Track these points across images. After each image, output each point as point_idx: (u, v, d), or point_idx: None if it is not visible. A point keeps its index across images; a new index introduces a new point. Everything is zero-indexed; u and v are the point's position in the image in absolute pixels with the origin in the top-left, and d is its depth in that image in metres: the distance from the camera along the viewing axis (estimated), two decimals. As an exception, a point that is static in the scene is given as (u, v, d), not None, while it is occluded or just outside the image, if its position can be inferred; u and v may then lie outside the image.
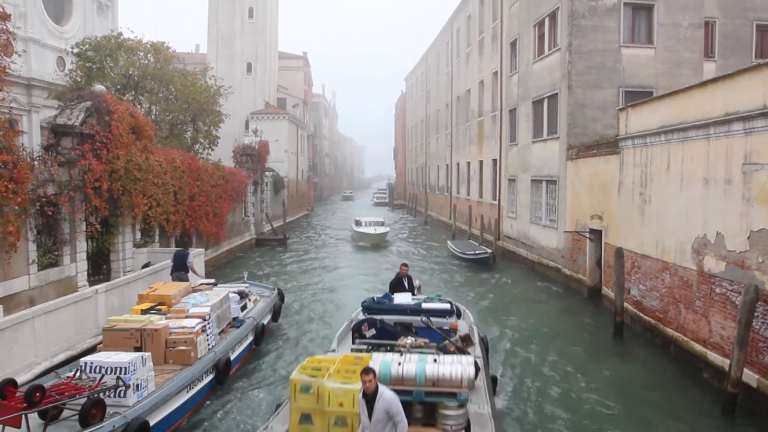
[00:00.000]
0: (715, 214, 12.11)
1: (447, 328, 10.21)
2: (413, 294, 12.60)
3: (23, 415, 7.67)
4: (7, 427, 7.75)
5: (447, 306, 11.01)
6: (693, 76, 20.33)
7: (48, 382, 8.90)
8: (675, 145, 13.78)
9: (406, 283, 12.61)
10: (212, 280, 15.99)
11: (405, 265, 13.01)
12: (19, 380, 9.19)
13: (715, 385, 11.62)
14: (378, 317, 9.97)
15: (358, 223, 36.97)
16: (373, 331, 9.47)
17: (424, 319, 9.95)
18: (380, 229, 35.13)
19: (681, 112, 13.55)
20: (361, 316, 10.75)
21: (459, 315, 11.80)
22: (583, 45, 20.95)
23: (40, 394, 7.88)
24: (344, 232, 40.57)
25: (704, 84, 13.00)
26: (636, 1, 21.08)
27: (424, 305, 10.83)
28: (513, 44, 28.22)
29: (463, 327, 11.33)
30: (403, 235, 40.95)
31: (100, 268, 17.39)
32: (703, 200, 12.56)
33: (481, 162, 35.21)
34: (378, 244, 34.02)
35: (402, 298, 11.45)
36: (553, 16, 22.92)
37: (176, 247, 21.37)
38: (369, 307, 10.96)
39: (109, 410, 8.44)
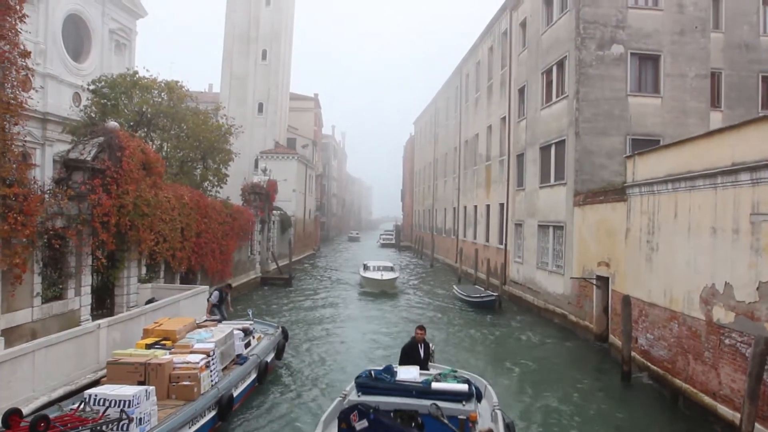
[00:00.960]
0: (723, 263, 12.00)
1: (463, 417, 8.25)
2: (429, 361, 10.93)
3: None
4: None
5: (464, 387, 8.73)
6: (700, 126, 20.49)
7: (51, 414, 8.84)
8: (682, 194, 13.77)
9: (421, 351, 10.78)
10: (250, 321, 16.45)
11: (421, 328, 11.01)
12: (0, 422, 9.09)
13: (726, 439, 11.30)
14: (374, 400, 8.32)
15: (365, 268, 34.58)
16: (364, 423, 7.70)
17: (432, 409, 8.04)
18: (388, 275, 32.41)
19: (688, 160, 13.60)
20: (354, 395, 9.04)
21: (479, 397, 9.39)
22: (590, 93, 21.21)
23: (44, 424, 7.90)
24: (349, 275, 40.08)
25: (711, 134, 13.09)
26: (642, 52, 21.42)
27: (435, 385, 8.71)
28: (521, 90, 28.61)
29: (485, 414, 9.25)
30: (409, 278, 40.69)
31: (103, 303, 17.34)
32: (711, 249, 12.47)
33: (488, 206, 35.27)
34: (386, 290, 31.32)
35: (407, 373, 9.35)
36: (560, 65, 23.29)
37: (181, 283, 21.49)
38: (364, 384, 9.02)
39: None
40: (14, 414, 8.28)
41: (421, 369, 9.76)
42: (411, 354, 10.63)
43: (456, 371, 10.13)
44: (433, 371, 10.15)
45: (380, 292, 31.16)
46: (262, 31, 52.12)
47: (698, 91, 21.53)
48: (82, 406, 9.06)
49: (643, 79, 21.72)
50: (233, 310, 19.55)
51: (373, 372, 9.38)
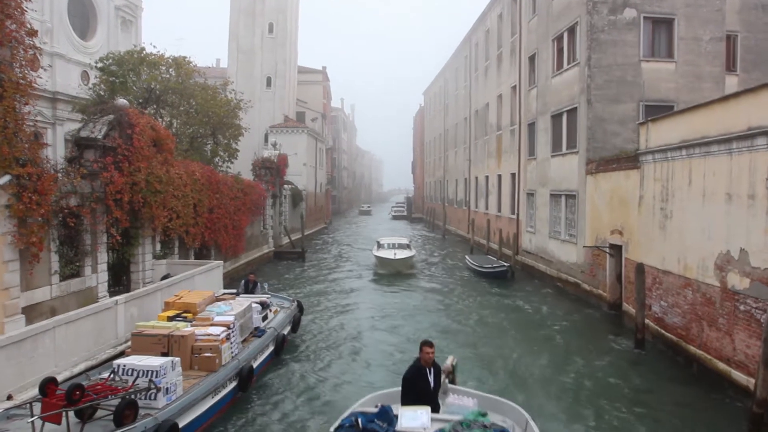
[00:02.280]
0: (738, 229, 11.90)
1: None
2: (440, 390, 8.08)
3: (64, 413, 7.96)
4: (47, 424, 8.08)
5: None
6: (715, 90, 20.12)
7: (83, 383, 9.10)
8: (697, 160, 13.61)
9: (431, 378, 7.66)
10: (267, 294, 16.64)
11: (428, 344, 7.63)
12: (36, 391, 9.33)
13: (740, 404, 11.35)
14: None
15: (378, 246, 31.39)
16: None
17: None
18: (402, 253, 28.84)
19: (703, 126, 13.40)
20: None
21: None
22: (602, 59, 20.85)
23: (79, 392, 8.16)
24: (358, 252, 39.62)
25: (726, 98, 12.86)
26: (656, 16, 20.96)
27: None
28: (531, 58, 28.20)
29: None
30: (421, 250, 40.78)
31: (120, 279, 17.57)
32: (726, 216, 12.36)
33: (499, 176, 35.08)
34: (400, 271, 28.17)
35: (413, 419, 6.80)
36: (572, 31, 22.88)
37: (195, 258, 21.74)
38: None
39: (141, 412, 8.74)
40: (50, 382, 8.61)
41: (432, 407, 7.22)
42: (418, 385, 7.54)
43: (485, 414, 7.19)
44: (449, 414, 7.47)
45: (393, 273, 28.15)
46: (268, 4, 51.60)
47: (713, 55, 21.10)
48: (111, 376, 9.34)
49: (657, 43, 21.28)
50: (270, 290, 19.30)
51: (360, 420, 6.81)
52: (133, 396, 8.75)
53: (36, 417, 8.02)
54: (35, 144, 13.13)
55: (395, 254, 28.36)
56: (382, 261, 28.91)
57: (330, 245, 43.82)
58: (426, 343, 7.74)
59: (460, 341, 16.51)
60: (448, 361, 8.52)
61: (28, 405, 8.39)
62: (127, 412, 8.38)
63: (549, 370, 13.98)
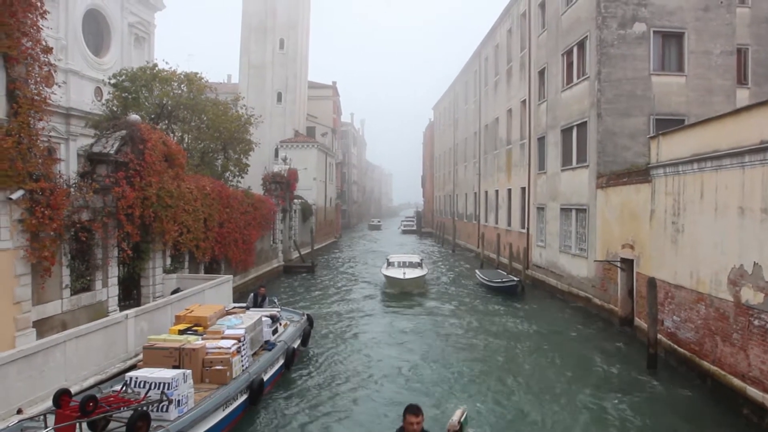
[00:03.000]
0: (751, 244, 11.77)
1: None
2: None
3: (77, 424, 8.05)
4: None
5: None
6: (726, 104, 20.04)
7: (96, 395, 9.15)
8: (708, 174, 13.51)
9: None
10: (277, 308, 16.67)
11: (413, 412, 5.73)
12: (47, 404, 9.34)
13: (755, 421, 11.16)
14: None
15: (388, 264, 29.67)
16: None
17: None
18: (412, 272, 27.00)
19: (714, 139, 13.31)
20: None
21: None
22: (612, 73, 20.85)
23: (93, 404, 8.25)
24: (370, 269, 39.67)
25: (738, 111, 12.78)
26: (666, 30, 20.96)
27: None
28: (541, 73, 28.24)
29: None
30: (431, 264, 40.65)
31: (130, 293, 17.63)
32: (738, 230, 12.24)
33: (509, 190, 35.01)
34: (409, 291, 26.67)
35: None
36: (581, 45, 22.92)
37: (205, 273, 21.81)
38: None
39: (153, 424, 8.78)
40: (64, 394, 8.66)
41: None
42: None
43: None
44: None
45: (401, 292, 26.58)
46: (279, 20, 52.09)
47: (724, 68, 21.03)
48: (124, 388, 9.41)
49: (667, 57, 21.27)
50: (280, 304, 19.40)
51: None
52: (145, 408, 8.79)
53: (50, 429, 8.07)
54: (49, 159, 13.27)
55: (404, 273, 26.50)
56: (390, 280, 27.28)
57: (339, 262, 43.76)
58: (411, 411, 5.75)
59: (467, 357, 16.37)
60: (455, 417, 7.14)
61: (41, 417, 8.45)
62: (139, 423, 8.43)
63: (557, 382, 13.82)
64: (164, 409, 9.16)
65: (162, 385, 9.22)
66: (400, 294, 26.55)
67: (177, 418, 9.17)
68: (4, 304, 11.86)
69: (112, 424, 8.61)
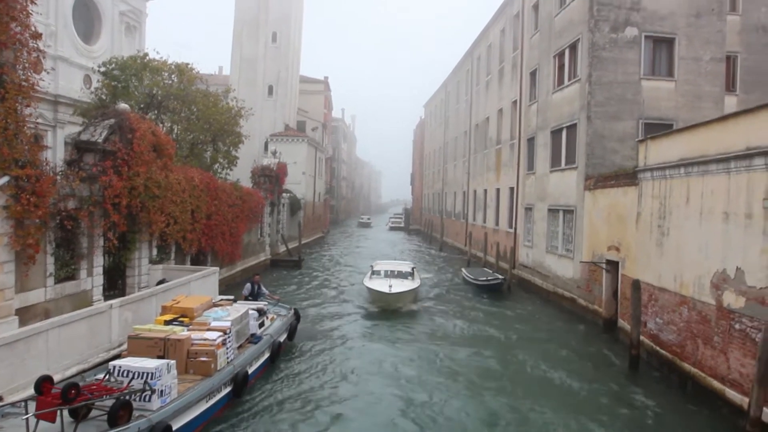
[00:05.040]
0: (735, 248, 11.92)
1: None
2: None
3: (58, 411, 8.01)
4: (41, 423, 8.12)
5: None
6: (714, 110, 20.24)
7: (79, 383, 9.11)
8: (695, 179, 13.65)
9: None
10: (264, 302, 16.83)
11: None
12: (29, 392, 9.29)
13: (734, 423, 11.31)
14: None
15: (372, 273, 24.61)
16: None
17: None
18: (400, 285, 21.95)
19: (701, 145, 13.46)
20: None
21: None
22: (603, 76, 20.98)
23: (75, 391, 8.22)
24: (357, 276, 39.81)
25: (725, 118, 12.94)
26: (657, 35, 21.11)
27: None
28: (533, 74, 28.35)
29: None
30: (418, 262, 40.73)
31: (115, 283, 17.49)
32: (723, 234, 12.39)
33: (498, 190, 35.15)
34: (395, 309, 21.77)
35: None
36: (573, 48, 23.03)
37: (191, 264, 21.72)
38: None
39: (135, 413, 8.79)
40: (46, 381, 8.62)
41: None
42: None
43: None
44: None
45: (384, 309, 21.76)
46: (272, 14, 51.86)
47: (713, 75, 21.24)
48: (107, 376, 9.39)
49: (657, 62, 21.43)
50: (278, 296, 19.50)
51: None
52: (127, 397, 8.78)
53: (30, 414, 8.05)
54: (35, 146, 13.13)
55: (391, 286, 21.29)
56: (373, 294, 21.98)
57: (326, 258, 43.71)
58: None
59: (449, 353, 16.44)
60: None
61: (22, 404, 8.41)
62: (121, 412, 8.43)
63: (540, 382, 13.93)
64: (147, 399, 9.16)
65: (145, 374, 9.20)
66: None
67: (159, 408, 9.18)
68: (-14, 291, 11.73)
69: (93, 412, 8.61)
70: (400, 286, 21.87)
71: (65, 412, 8.21)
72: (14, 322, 12.27)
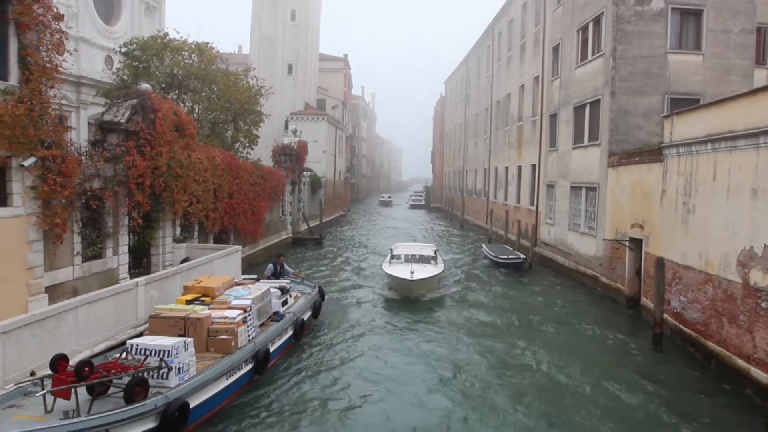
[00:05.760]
0: (763, 226, 11.69)
1: None
2: None
3: (72, 388, 8.13)
4: (58, 399, 8.28)
5: None
6: (743, 84, 19.73)
7: (97, 362, 9.32)
8: (722, 155, 13.37)
9: None
10: (287, 280, 16.99)
11: None
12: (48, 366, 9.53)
13: (758, 402, 11.22)
14: None
15: (392, 257, 23.01)
16: None
17: None
18: (422, 271, 20.37)
19: (729, 120, 13.15)
20: None
21: None
22: (627, 50, 20.53)
23: (88, 369, 8.31)
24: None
25: (755, 92, 12.59)
26: (684, 6, 20.55)
27: None
28: (555, 49, 27.85)
29: None
30: (439, 239, 40.70)
31: (140, 262, 17.82)
32: (750, 211, 12.15)
33: (519, 167, 34.83)
34: (417, 296, 20.17)
35: None
36: (597, 21, 22.53)
37: (214, 243, 21.99)
38: None
39: (152, 390, 8.90)
40: (61, 359, 8.74)
41: None
42: None
43: None
44: None
45: (406, 296, 20.22)
46: (291, -10, 51.48)
47: (742, 47, 20.65)
48: (124, 354, 9.56)
49: (684, 35, 20.88)
50: (303, 275, 19.54)
51: None
52: (143, 374, 8.90)
53: (45, 391, 8.24)
54: (60, 127, 13.31)
55: (413, 273, 19.56)
56: (393, 281, 20.40)
57: (347, 236, 43.86)
58: None
59: (472, 330, 16.48)
60: None
61: (39, 381, 8.64)
62: (137, 389, 8.55)
63: (562, 360, 13.92)
64: (164, 376, 9.27)
65: (162, 352, 9.31)
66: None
67: (177, 384, 9.28)
68: (16, 270, 12.04)
69: (111, 390, 8.77)
70: (422, 272, 20.27)
71: (84, 390, 8.37)
72: (44, 300, 12.60)
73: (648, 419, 10.78)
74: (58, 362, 8.65)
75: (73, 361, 9.32)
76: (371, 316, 17.91)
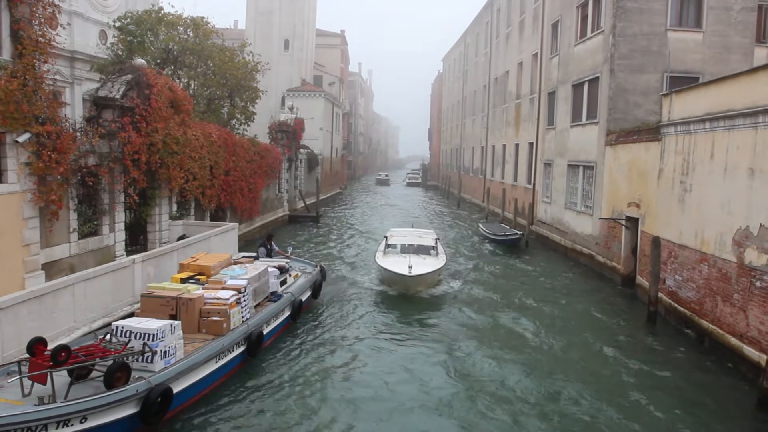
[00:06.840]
0: (759, 205, 11.72)
1: None
2: None
3: (49, 373, 7.91)
4: (36, 384, 8.09)
5: None
6: (743, 62, 19.61)
7: (85, 342, 9.18)
8: (720, 133, 13.34)
9: None
10: (287, 259, 16.53)
11: None
12: (59, 343, 9.52)
13: (751, 379, 11.36)
14: None
15: (387, 246, 19.83)
16: None
17: None
18: (421, 266, 17.54)
19: (728, 99, 13.09)
20: None
21: None
22: (627, 28, 20.34)
23: (65, 354, 8.09)
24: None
25: (755, 70, 12.51)
26: (685, -17, 20.31)
27: None
28: (554, 26, 27.59)
29: None
30: (434, 218, 40.75)
31: (136, 239, 17.81)
32: (747, 191, 12.16)
33: (517, 145, 34.74)
34: (415, 292, 17.64)
35: None
36: (597, -3, 22.28)
37: (211, 220, 21.94)
38: None
39: (135, 374, 8.70)
40: (39, 342, 8.50)
41: None
42: None
43: None
44: None
45: (403, 292, 17.72)
46: (287, -36, 50.69)
47: (743, 25, 20.47)
48: (108, 337, 9.33)
49: (685, 12, 20.68)
50: (287, 253, 17.82)
51: None
52: (125, 358, 8.66)
53: (21, 375, 8.05)
54: (54, 102, 13.16)
55: (411, 267, 16.83)
56: (389, 276, 17.73)
57: (345, 214, 43.85)
58: None
59: (469, 310, 16.56)
60: None
61: (17, 364, 8.45)
62: (117, 374, 8.32)
63: (557, 337, 14.05)
64: (148, 360, 9.01)
65: (146, 335, 9.04)
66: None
67: (162, 369, 9.04)
68: (12, 247, 12.01)
69: (94, 373, 8.55)
70: (421, 265, 17.60)
71: (65, 374, 8.15)
72: (41, 277, 12.60)
73: (641, 393, 10.90)
74: (36, 345, 8.37)
75: (61, 342, 9.16)
76: (371, 295, 17.84)
